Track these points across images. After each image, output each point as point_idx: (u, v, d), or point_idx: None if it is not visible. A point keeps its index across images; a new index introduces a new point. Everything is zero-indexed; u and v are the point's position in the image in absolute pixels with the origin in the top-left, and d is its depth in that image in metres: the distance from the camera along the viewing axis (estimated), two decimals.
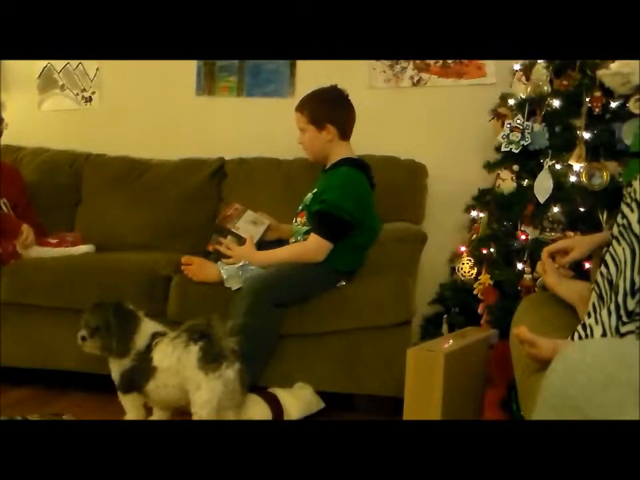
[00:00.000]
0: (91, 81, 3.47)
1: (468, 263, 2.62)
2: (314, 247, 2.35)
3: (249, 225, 2.56)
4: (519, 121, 2.48)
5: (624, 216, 1.45)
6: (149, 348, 2.01)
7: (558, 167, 2.39)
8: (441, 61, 3.09)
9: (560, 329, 1.59)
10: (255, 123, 3.26)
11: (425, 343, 2.23)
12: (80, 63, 3.47)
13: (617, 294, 1.40)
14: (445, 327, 2.64)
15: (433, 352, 1.99)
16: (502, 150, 2.52)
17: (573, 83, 2.42)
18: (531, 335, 1.46)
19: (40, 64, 3.50)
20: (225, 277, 2.35)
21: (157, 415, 2.14)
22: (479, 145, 2.93)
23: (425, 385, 1.95)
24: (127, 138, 3.36)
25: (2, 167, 2.90)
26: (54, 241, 2.74)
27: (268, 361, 2.31)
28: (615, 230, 1.47)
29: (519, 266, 2.38)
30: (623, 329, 1.39)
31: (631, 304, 1.39)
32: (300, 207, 2.53)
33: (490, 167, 2.63)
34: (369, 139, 2.76)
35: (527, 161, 2.49)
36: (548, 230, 2.35)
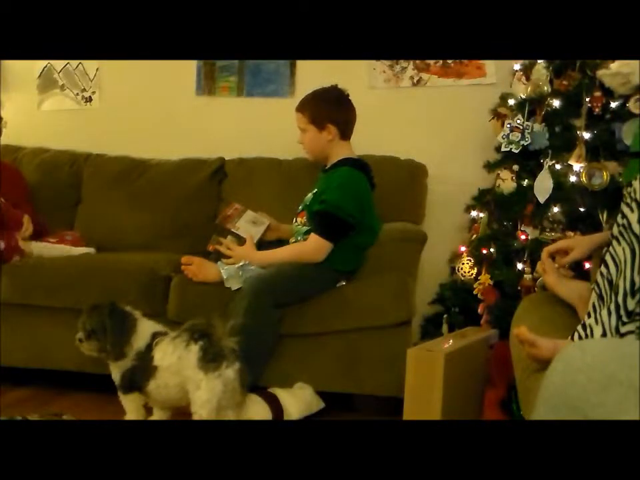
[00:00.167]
0: (91, 81, 3.47)
1: (468, 263, 2.61)
2: (314, 247, 2.35)
3: (249, 224, 2.56)
4: (518, 121, 2.48)
5: (624, 216, 1.45)
6: (149, 347, 2.01)
7: (558, 167, 2.39)
8: (440, 61, 3.09)
9: (560, 329, 1.59)
10: (255, 123, 3.26)
11: (424, 343, 2.23)
12: (80, 62, 3.47)
13: (616, 294, 1.40)
14: (444, 327, 2.64)
15: (432, 352, 1.99)
16: (502, 150, 2.52)
17: (573, 83, 2.42)
18: (531, 335, 1.46)
19: (40, 64, 3.50)
20: (225, 277, 2.35)
21: (157, 415, 2.14)
22: (478, 145, 2.93)
23: (425, 384, 1.95)
24: (127, 138, 3.36)
25: (1, 166, 2.90)
26: (53, 240, 2.74)
27: (268, 360, 2.31)
28: (615, 230, 1.47)
29: (519, 266, 2.38)
30: (623, 329, 1.39)
31: (630, 304, 1.39)
32: (300, 207, 2.53)
33: (490, 166, 2.63)
34: (368, 139, 2.77)
35: (527, 161, 2.49)
36: (548, 230, 2.35)
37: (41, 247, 2.68)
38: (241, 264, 2.38)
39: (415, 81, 3.13)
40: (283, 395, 2.23)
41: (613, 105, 2.34)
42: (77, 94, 3.49)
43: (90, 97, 3.48)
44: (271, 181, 3.01)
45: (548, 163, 2.39)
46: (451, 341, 2.18)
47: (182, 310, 2.38)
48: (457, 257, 2.77)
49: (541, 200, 2.37)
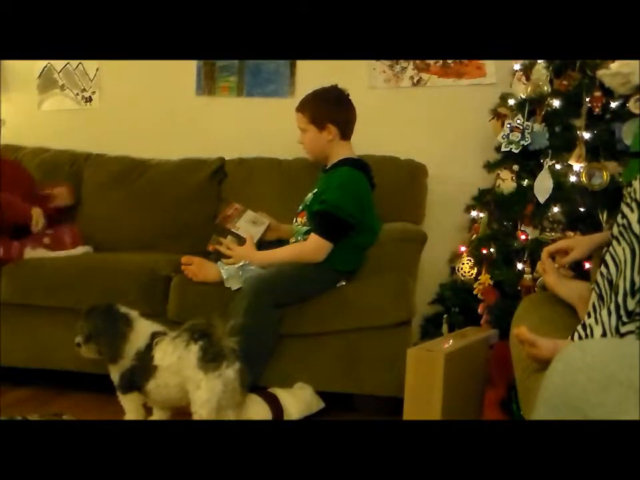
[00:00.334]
0: (91, 81, 3.47)
1: (468, 263, 2.61)
2: (314, 247, 2.35)
3: (249, 224, 2.56)
4: (518, 121, 2.48)
5: (624, 216, 1.45)
6: (149, 347, 2.01)
7: (558, 167, 2.39)
8: (440, 61, 3.09)
9: (560, 329, 1.59)
10: (255, 123, 3.26)
11: (424, 343, 2.23)
12: (80, 62, 3.47)
13: (616, 294, 1.40)
14: (444, 327, 2.64)
15: (433, 352, 1.99)
16: (502, 150, 2.52)
17: (573, 83, 2.42)
18: (531, 335, 1.46)
19: (40, 64, 3.51)
20: (225, 277, 2.35)
21: (157, 415, 2.14)
22: (478, 145, 2.93)
23: (425, 384, 1.95)
24: (127, 138, 3.36)
25: (5, 163, 2.87)
26: (50, 232, 2.75)
27: (268, 360, 2.31)
28: (615, 230, 1.47)
29: (519, 266, 2.38)
30: (623, 329, 1.39)
31: (630, 304, 1.39)
32: (300, 207, 2.53)
33: (490, 166, 2.63)
34: (368, 139, 2.76)
35: (527, 161, 2.49)
36: (548, 230, 2.35)
37: (40, 254, 2.67)
38: (240, 264, 2.38)
39: (415, 81, 3.13)
40: (283, 394, 2.23)
41: (613, 105, 2.34)
42: (77, 94, 3.50)
43: (90, 97, 3.48)
44: (271, 181, 3.01)
45: (548, 162, 2.39)
46: (451, 340, 2.18)
47: (182, 310, 2.38)
48: (457, 257, 2.77)
49: (541, 200, 2.37)
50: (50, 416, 2.14)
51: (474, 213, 2.73)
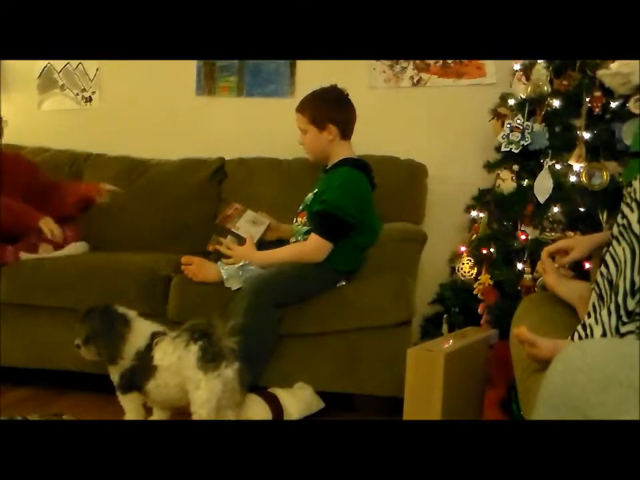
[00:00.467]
0: (91, 81, 3.47)
1: (468, 263, 2.61)
2: (314, 247, 2.35)
3: (249, 224, 2.56)
4: (519, 121, 2.48)
5: (624, 216, 1.45)
6: (149, 347, 2.01)
7: (558, 167, 2.39)
8: (440, 61, 3.09)
9: (560, 329, 1.59)
10: (255, 123, 3.26)
11: (424, 343, 2.23)
12: (80, 62, 3.47)
13: (616, 294, 1.40)
14: (444, 327, 2.64)
15: (433, 352, 1.99)
16: (502, 150, 2.52)
17: (573, 83, 2.42)
18: (531, 335, 1.46)
19: (40, 64, 3.51)
20: (225, 277, 2.35)
21: (157, 415, 2.14)
22: (478, 145, 2.93)
23: (425, 384, 1.95)
24: (127, 138, 3.36)
25: (10, 157, 2.84)
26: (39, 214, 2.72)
27: (268, 360, 2.31)
28: (615, 230, 1.47)
29: (519, 266, 2.38)
30: (623, 329, 1.39)
31: (631, 304, 1.39)
32: (300, 207, 2.53)
33: (490, 166, 2.63)
34: (369, 139, 2.76)
35: (527, 161, 2.49)
36: (548, 230, 2.35)
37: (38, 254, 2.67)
38: (240, 264, 2.38)
39: (415, 80, 3.13)
40: (283, 394, 2.23)
41: (613, 105, 2.34)
42: (77, 94, 3.50)
43: (90, 97, 3.48)
44: (271, 181, 3.01)
45: (548, 162, 2.39)
46: (451, 340, 2.18)
47: (182, 310, 2.38)
48: (457, 257, 2.77)
49: (541, 200, 2.37)
50: (50, 416, 2.14)
51: (474, 213, 2.73)
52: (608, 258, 1.47)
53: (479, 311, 2.49)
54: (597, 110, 2.35)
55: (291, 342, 2.36)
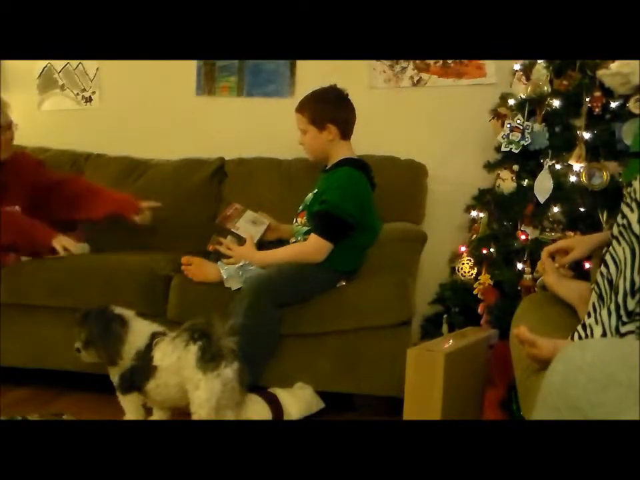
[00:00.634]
0: (91, 81, 3.47)
1: (468, 263, 2.61)
2: (314, 247, 2.35)
3: (249, 224, 2.56)
4: (518, 121, 2.48)
5: (624, 216, 1.45)
6: (149, 348, 2.01)
7: (558, 167, 2.39)
8: (440, 61, 3.09)
9: (560, 328, 1.59)
10: (255, 123, 3.26)
11: (424, 343, 2.23)
12: (80, 62, 3.47)
13: (616, 294, 1.40)
14: (444, 327, 2.64)
15: (433, 352, 1.99)
16: (502, 150, 2.52)
17: (573, 83, 2.42)
18: (531, 335, 1.46)
19: (40, 64, 3.51)
20: (225, 277, 2.35)
21: (157, 415, 2.14)
22: (478, 145, 2.93)
23: (425, 385, 1.95)
24: (127, 138, 3.36)
25: (20, 158, 2.81)
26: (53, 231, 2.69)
27: (268, 360, 2.31)
28: (615, 230, 1.47)
29: (519, 266, 2.38)
30: (623, 329, 1.39)
31: (631, 304, 1.39)
32: (300, 207, 2.53)
33: (490, 166, 2.63)
34: (369, 138, 2.76)
35: (526, 161, 2.49)
36: (548, 230, 2.35)
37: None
38: (241, 264, 2.38)
39: (415, 81, 3.13)
40: (283, 395, 2.23)
41: (613, 104, 2.34)
42: (77, 94, 3.50)
43: (90, 97, 3.48)
44: (270, 181, 3.01)
45: (548, 163, 2.39)
46: (451, 340, 2.17)
47: (182, 310, 2.38)
48: (457, 257, 2.77)
49: (541, 200, 2.37)
50: (50, 416, 2.15)
51: (474, 213, 2.73)
52: (608, 258, 1.47)
53: (479, 311, 2.48)
54: (596, 110, 2.35)
55: (291, 342, 2.36)
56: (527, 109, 2.49)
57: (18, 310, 2.53)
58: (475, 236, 2.66)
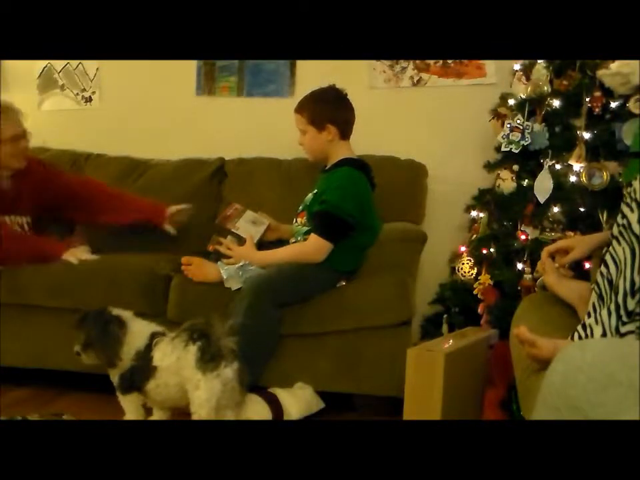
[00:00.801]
0: (91, 81, 3.47)
1: (468, 263, 2.61)
2: (314, 247, 2.35)
3: (249, 224, 2.56)
4: (518, 121, 2.48)
5: (624, 216, 1.45)
6: (148, 348, 2.01)
7: (558, 167, 2.39)
8: (440, 61, 3.09)
9: (560, 328, 1.59)
10: (255, 123, 3.26)
11: (424, 343, 2.23)
12: (80, 62, 3.47)
13: (616, 294, 1.40)
14: (444, 327, 2.64)
15: (433, 352, 1.99)
16: (502, 150, 2.52)
17: (573, 83, 2.42)
18: (531, 335, 1.46)
19: (40, 64, 3.51)
20: (224, 277, 2.35)
21: (157, 415, 2.14)
22: (478, 145, 2.93)
23: (425, 385, 1.95)
24: (127, 138, 3.36)
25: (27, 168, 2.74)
26: (62, 244, 2.66)
27: (268, 360, 2.31)
28: (615, 230, 1.47)
29: (519, 266, 2.38)
30: (623, 329, 1.39)
31: (631, 304, 1.39)
32: (300, 207, 2.53)
33: (490, 166, 2.63)
34: (369, 139, 2.76)
35: (526, 161, 2.49)
36: (548, 230, 2.35)
37: None
38: (241, 264, 2.38)
39: (415, 81, 3.13)
40: (283, 395, 2.23)
41: (613, 104, 2.34)
42: (77, 94, 3.50)
43: (90, 97, 3.48)
44: (270, 181, 3.01)
45: (548, 163, 2.39)
46: (451, 340, 2.17)
47: (182, 310, 2.38)
48: (457, 257, 2.77)
49: (541, 200, 2.37)
50: (50, 416, 2.15)
51: (474, 213, 2.73)
52: (608, 258, 1.47)
53: (479, 311, 2.48)
54: (596, 110, 2.35)
55: (291, 342, 2.36)
56: (527, 109, 2.49)
57: (18, 310, 2.53)
58: (474, 236, 2.66)
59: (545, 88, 2.48)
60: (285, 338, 2.34)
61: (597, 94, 2.34)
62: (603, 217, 2.23)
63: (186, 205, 2.84)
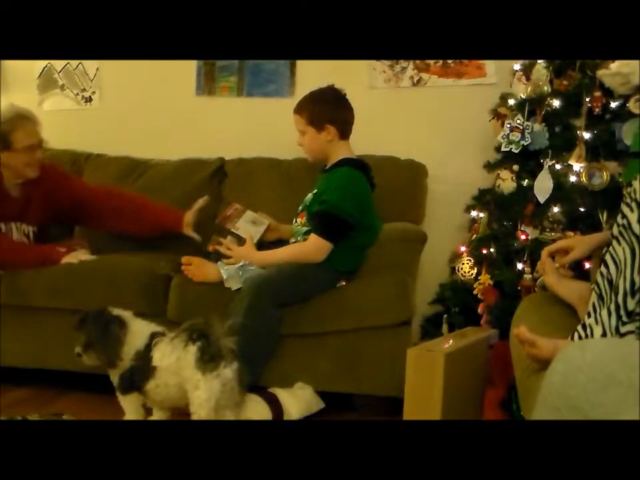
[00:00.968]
0: (91, 81, 3.47)
1: (468, 263, 2.61)
2: (314, 247, 2.35)
3: (249, 225, 2.56)
4: (518, 121, 2.48)
5: (624, 216, 1.45)
6: (148, 348, 2.01)
7: (558, 167, 2.39)
8: (440, 61, 3.09)
9: (560, 328, 1.59)
10: (255, 123, 3.26)
11: (424, 343, 2.23)
12: (80, 62, 3.47)
13: (616, 294, 1.40)
14: (444, 327, 2.64)
15: (433, 352, 1.99)
16: (502, 150, 2.52)
17: (573, 83, 2.42)
18: (531, 335, 1.46)
19: (40, 64, 3.51)
20: (225, 277, 2.35)
21: (157, 415, 2.14)
22: (478, 145, 2.93)
23: (425, 385, 1.95)
24: (127, 138, 3.36)
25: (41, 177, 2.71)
26: (63, 250, 2.65)
27: (268, 361, 2.31)
28: (615, 230, 1.47)
29: (519, 266, 2.38)
30: (623, 329, 1.39)
31: (630, 304, 1.39)
32: (300, 208, 2.53)
33: (490, 166, 2.63)
34: (369, 138, 2.76)
35: (526, 161, 2.49)
36: (548, 230, 2.35)
37: None
38: (240, 264, 2.38)
39: (415, 81, 3.13)
40: (283, 394, 2.23)
41: (613, 104, 2.34)
42: (77, 94, 3.50)
43: (90, 97, 3.48)
44: (270, 181, 3.01)
45: (548, 163, 2.39)
46: (451, 341, 2.17)
47: (182, 310, 2.38)
48: (457, 256, 2.77)
49: (541, 200, 2.37)
50: (50, 416, 2.15)
51: (474, 213, 2.73)
52: (608, 258, 1.47)
53: (479, 311, 2.48)
54: (596, 110, 2.35)
55: (291, 342, 2.36)
56: (527, 109, 2.49)
57: (18, 310, 2.53)
58: (475, 236, 2.66)
59: (545, 88, 2.48)
60: (285, 338, 2.34)
61: (597, 94, 2.34)
62: (603, 217, 2.23)
63: (201, 201, 2.80)
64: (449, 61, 3.08)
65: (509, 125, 2.49)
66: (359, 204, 2.37)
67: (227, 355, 1.93)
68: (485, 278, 2.46)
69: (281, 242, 2.57)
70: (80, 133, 3.42)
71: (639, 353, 1.03)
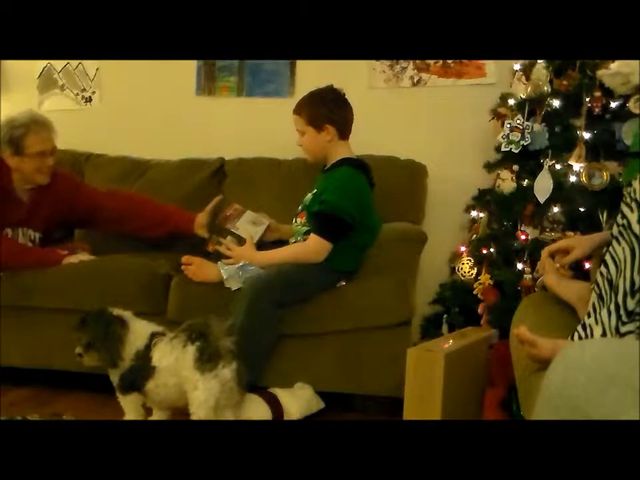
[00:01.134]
0: (91, 81, 3.47)
1: (468, 263, 2.62)
2: (314, 247, 2.35)
3: (249, 225, 2.56)
4: (518, 121, 2.48)
5: (624, 216, 1.45)
6: (148, 348, 2.01)
7: (558, 167, 2.39)
8: (440, 61, 3.09)
9: (560, 328, 1.59)
10: (255, 123, 3.26)
11: (424, 343, 2.23)
12: (80, 62, 3.47)
13: (616, 294, 1.40)
14: (444, 327, 2.64)
15: (433, 352, 1.99)
16: (502, 150, 2.52)
17: (572, 83, 2.42)
18: (531, 335, 1.46)
19: (40, 64, 3.51)
20: (225, 277, 2.35)
21: (157, 415, 2.14)
22: (478, 145, 2.93)
23: (425, 384, 1.95)
24: (127, 138, 3.36)
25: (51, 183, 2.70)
26: (64, 252, 2.64)
27: (268, 360, 2.31)
28: (615, 230, 1.47)
29: (519, 266, 2.38)
30: (623, 329, 1.39)
31: (630, 304, 1.39)
32: (300, 208, 2.53)
33: (490, 167, 2.63)
34: (369, 138, 2.76)
35: (526, 161, 2.49)
36: (548, 230, 2.35)
37: None
38: (240, 264, 2.38)
39: (415, 81, 3.13)
40: (282, 394, 2.23)
41: (613, 104, 2.34)
42: (77, 94, 3.50)
43: (90, 97, 3.48)
44: (270, 181, 3.01)
45: (548, 163, 2.40)
46: (451, 341, 2.18)
47: (182, 310, 2.38)
48: (456, 257, 2.77)
49: (541, 200, 2.37)
50: (50, 416, 2.15)
51: (474, 213, 2.74)
52: (608, 258, 1.47)
53: (479, 311, 2.49)
54: (596, 110, 2.35)
55: (291, 342, 2.36)
56: (526, 109, 2.49)
57: (18, 310, 2.53)
58: (475, 236, 2.66)
59: (545, 88, 2.48)
60: (285, 338, 2.34)
61: (597, 94, 2.34)
62: (603, 217, 2.23)
63: (214, 201, 2.77)
64: (449, 61, 3.08)
65: (508, 125, 2.49)
66: (359, 204, 2.37)
67: (226, 355, 1.93)
68: (485, 278, 2.46)
69: (281, 242, 2.57)
70: (80, 133, 3.41)
71: (639, 353, 1.03)
